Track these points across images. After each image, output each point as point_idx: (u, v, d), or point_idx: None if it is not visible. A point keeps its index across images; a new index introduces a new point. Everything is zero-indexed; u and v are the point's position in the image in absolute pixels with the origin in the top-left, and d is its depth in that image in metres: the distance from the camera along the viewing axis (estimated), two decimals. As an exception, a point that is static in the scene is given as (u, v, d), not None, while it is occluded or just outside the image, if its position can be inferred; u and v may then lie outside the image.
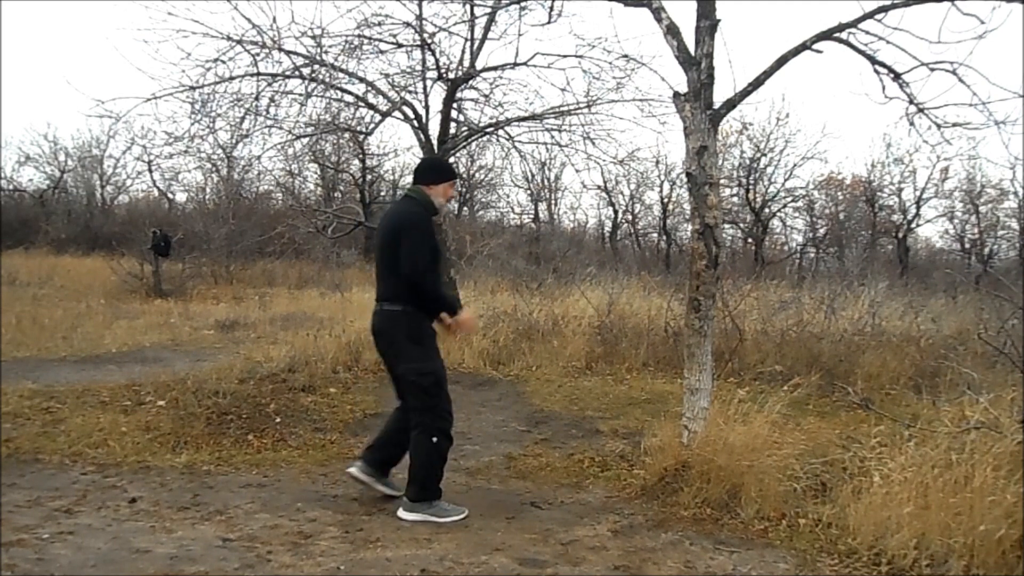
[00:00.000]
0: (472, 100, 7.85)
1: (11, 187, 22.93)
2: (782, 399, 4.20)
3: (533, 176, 21.77)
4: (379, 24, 6.86)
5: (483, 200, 24.33)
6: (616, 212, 23.97)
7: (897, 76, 4.24)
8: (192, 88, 6.62)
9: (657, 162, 20.88)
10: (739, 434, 3.88)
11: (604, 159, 8.04)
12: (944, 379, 5.85)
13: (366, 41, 6.95)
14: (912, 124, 4.44)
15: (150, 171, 22.48)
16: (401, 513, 3.62)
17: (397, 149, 28.34)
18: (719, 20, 4.14)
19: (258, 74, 6.74)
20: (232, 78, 6.71)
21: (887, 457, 3.61)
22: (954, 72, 4.06)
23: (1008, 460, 3.31)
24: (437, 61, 7.23)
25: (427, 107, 7.60)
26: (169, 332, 9.06)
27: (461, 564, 3.11)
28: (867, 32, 4.10)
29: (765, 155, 21.37)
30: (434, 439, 3.62)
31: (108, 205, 23.66)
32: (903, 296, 10.52)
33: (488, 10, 6.94)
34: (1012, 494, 3.13)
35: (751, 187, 21.78)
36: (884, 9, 4.01)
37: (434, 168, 4.00)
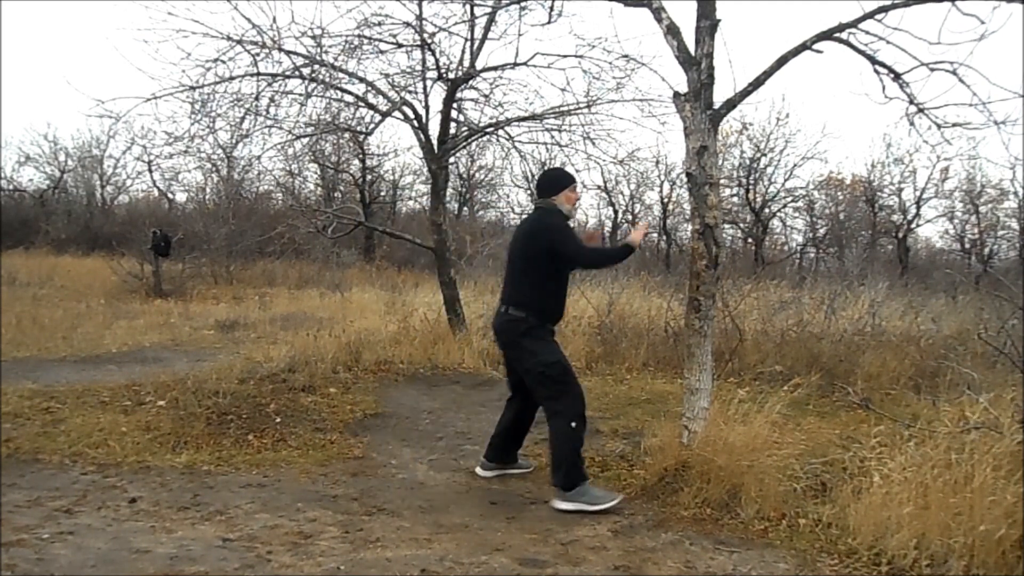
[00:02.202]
0: (472, 100, 7.85)
1: (11, 187, 22.95)
2: (782, 399, 4.19)
3: (533, 176, 21.77)
4: (379, 24, 6.86)
5: (483, 200, 24.36)
6: (616, 212, 23.98)
7: (897, 76, 4.24)
8: (192, 88, 6.61)
9: (657, 162, 20.92)
10: (739, 434, 3.88)
11: (604, 159, 8.04)
12: (944, 379, 5.85)
13: (366, 41, 6.94)
14: (912, 124, 4.44)
15: (150, 171, 22.53)
16: (556, 503, 3.83)
17: (397, 149, 28.45)
18: (719, 20, 4.14)
19: (258, 74, 6.74)
20: (232, 78, 6.71)
21: (887, 457, 3.61)
22: (954, 72, 4.06)
23: (1008, 460, 3.31)
24: (437, 61, 7.22)
25: (427, 107, 7.60)
26: (169, 332, 9.07)
27: (461, 564, 3.11)
28: (867, 32, 4.10)
29: (765, 155, 21.39)
30: (572, 424, 3.88)
31: (108, 205, 23.67)
32: (903, 296, 10.53)
33: (488, 10, 6.93)
34: (1012, 494, 3.13)
35: (751, 187, 21.78)
36: (884, 9, 4.01)
37: (553, 179, 4.21)
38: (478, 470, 4.33)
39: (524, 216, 4.39)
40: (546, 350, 3.98)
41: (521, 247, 4.06)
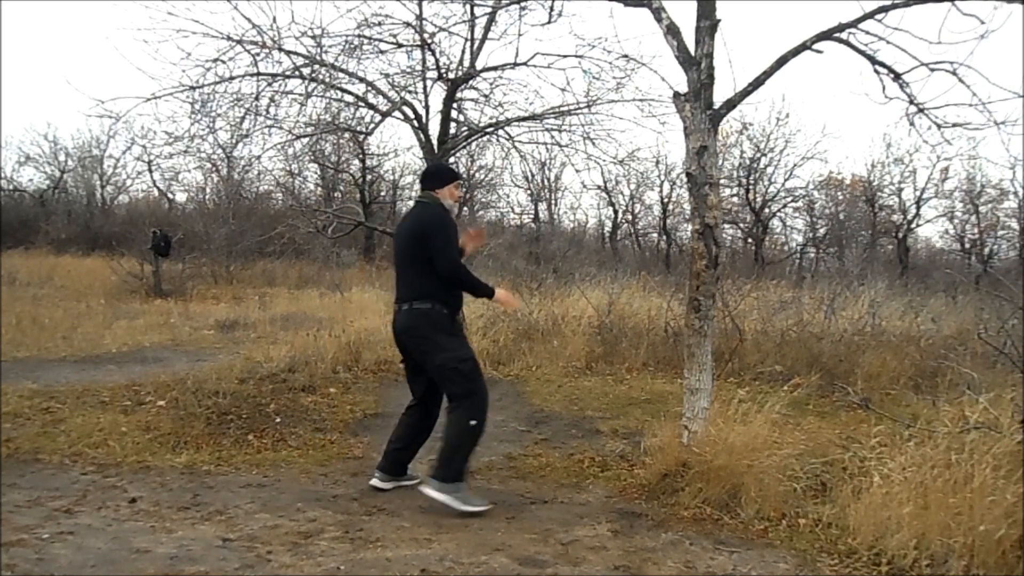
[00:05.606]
0: (472, 100, 7.85)
1: (11, 187, 22.96)
2: (782, 399, 4.19)
3: (533, 176, 21.80)
4: (379, 24, 6.86)
5: (483, 200, 24.33)
6: (616, 212, 24.02)
7: (897, 76, 4.24)
8: (192, 88, 6.60)
9: (657, 162, 20.97)
10: (739, 434, 3.88)
11: (604, 159, 8.05)
12: (944, 379, 5.85)
13: (366, 41, 6.94)
14: (912, 124, 4.45)
15: (150, 171, 22.58)
16: (424, 488, 3.74)
17: (397, 149, 28.42)
18: (719, 20, 4.14)
19: (258, 74, 6.74)
20: (232, 78, 6.71)
21: (887, 457, 3.61)
22: (954, 72, 4.06)
23: (1008, 460, 3.31)
24: (437, 61, 7.22)
25: (427, 107, 7.60)
26: (169, 332, 9.07)
27: (461, 564, 3.11)
28: (867, 32, 4.10)
29: (765, 155, 21.43)
30: (472, 422, 3.77)
31: (108, 205, 23.69)
32: (903, 296, 10.53)
33: (488, 10, 6.93)
34: (1012, 494, 3.13)
35: (751, 187, 21.81)
36: (884, 9, 4.01)
37: (438, 173, 4.20)
38: (375, 482, 4.02)
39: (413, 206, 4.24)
40: (461, 345, 3.89)
41: (410, 242, 3.90)
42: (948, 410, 3.90)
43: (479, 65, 7.41)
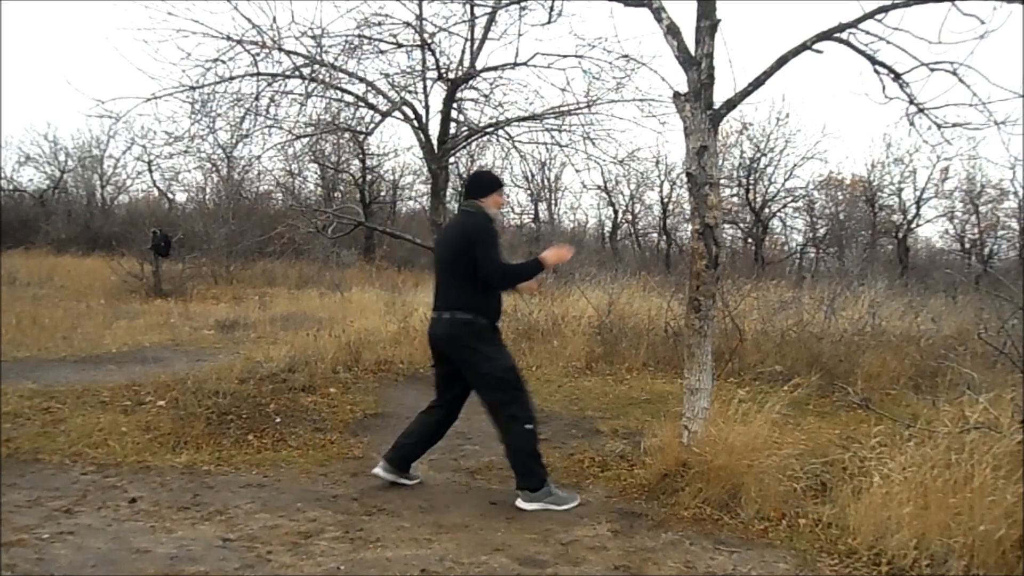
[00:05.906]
0: (472, 100, 7.84)
1: (11, 187, 22.97)
2: (782, 399, 4.19)
3: (533, 176, 21.78)
4: (379, 24, 6.85)
5: (483, 200, 24.31)
6: (616, 212, 24.01)
7: (897, 76, 4.24)
8: (192, 88, 6.59)
9: (657, 162, 20.97)
10: (739, 434, 3.88)
11: (604, 159, 8.03)
12: (944, 379, 5.85)
13: (366, 41, 6.93)
14: (912, 124, 4.44)
15: (150, 171, 22.59)
16: (520, 503, 3.83)
17: (397, 149, 28.43)
18: (719, 20, 4.14)
19: (258, 74, 6.73)
20: (232, 78, 6.70)
21: (887, 457, 3.60)
22: (954, 72, 4.06)
23: (1008, 460, 3.31)
24: (437, 61, 7.22)
25: (427, 107, 7.60)
26: (169, 332, 9.07)
27: (461, 564, 3.11)
28: (867, 32, 4.10)
29: (765, 155, 21.43)
30: (528, 426, 3.87)
31: (108, 205, 23.70)
32: (903, 296, 10.53)
33: (488, 10, 6.93)
34: (1012, 494, 3.12)
35: (751, 187, 21.82)
36: (884, 9, 4.01)
37: (481, 182, 4.21)
38: (378, 471, 4.09)
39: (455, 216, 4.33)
40: (502, 355, 3.96)
41: (454, 250, 3.96)
42: (948, 410, 3.89)
43: (479, 65, 7.40)
